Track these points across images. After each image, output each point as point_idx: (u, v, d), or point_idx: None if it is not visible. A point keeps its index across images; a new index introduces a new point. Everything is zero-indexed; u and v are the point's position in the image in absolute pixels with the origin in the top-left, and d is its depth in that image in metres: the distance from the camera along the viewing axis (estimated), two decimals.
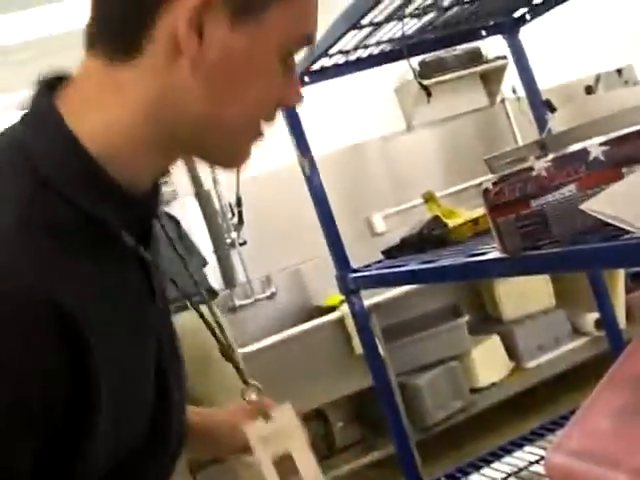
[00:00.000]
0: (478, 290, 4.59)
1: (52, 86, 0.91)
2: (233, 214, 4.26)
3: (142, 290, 0.95)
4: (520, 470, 1.72)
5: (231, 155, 0.97)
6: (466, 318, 4.25)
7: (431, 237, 1.54)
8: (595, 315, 4.27)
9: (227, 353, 1.20)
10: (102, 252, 0.87)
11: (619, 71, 5.10)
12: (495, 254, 1.15)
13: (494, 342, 4.35)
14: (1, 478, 0.77)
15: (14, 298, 0.75)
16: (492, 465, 1.80)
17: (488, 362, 4.28)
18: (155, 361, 0.95)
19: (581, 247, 1.00)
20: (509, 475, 1.72)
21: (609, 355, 1.96)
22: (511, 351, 4.38)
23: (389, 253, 1.69)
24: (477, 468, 1.80)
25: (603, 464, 1.18)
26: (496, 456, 1.82)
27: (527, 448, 1.83)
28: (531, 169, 1.07)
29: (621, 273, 4.19)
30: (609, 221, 0.94)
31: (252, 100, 0.92)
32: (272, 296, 4.47)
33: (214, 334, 1.19)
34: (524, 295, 4.41)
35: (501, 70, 5.00)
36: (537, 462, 1.71)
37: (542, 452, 1.70)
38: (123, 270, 0.91)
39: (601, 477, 1.17)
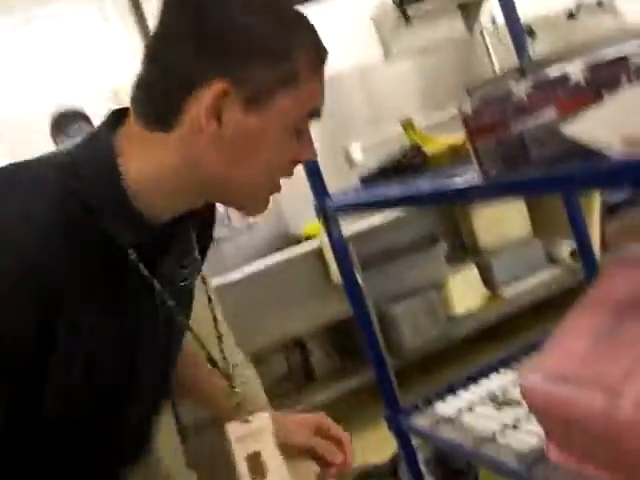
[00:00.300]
0: (455, 220, 4.62)
1: (117, 119, 1.12)
2: None
3: (139, 296, 1.14)
4: (496, 393, 1.75)
5: (249, 205, 1.19)
6: (443, 247, 4.28)
7: (409, 164, 1.54)
8: (571, 245, 4.31)
9: (217, 364, 1.34)
10: (105, 259, 1.07)
11: (599, 3, 5.05)
12: (473, 178, 1.16)
13: (471, 271, 4.39)
14: None
15: (10, 270, 0.96)
16: (469, 388, 1.83)
17: (465, 290, 4.32)
18: (135, 347, 1.16)
19: (558, 169, 1.00)
20: (485, 398, 1.75)
21: (585, 285, 1.98)
22: (487, 280, 4.42)
23: (367, 181, 1.69)
24: (454, 392, 1.83)
25: (579, 384, 1.19)
26: (473, 380, 1.85)
27: (503, 371, 1.86)
28: (511, 94, 1.06)
29: (597, 202, 4.22)
30: (587, 144, 0.94)
31: (264, 165, 1.11)
32: (250, 225, 4.46)
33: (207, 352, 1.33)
34: (501, 224, 4.45)
35: (480, 0, 4.96)
36: (513, 385, 1.74)
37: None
38: (123, 277, 1.10)
39: (577, 397, 1.18)
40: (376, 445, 2.63)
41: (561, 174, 0.99)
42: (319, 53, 1.14)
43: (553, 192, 1.17)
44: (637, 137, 0.86)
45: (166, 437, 1.55)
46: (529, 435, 1.51)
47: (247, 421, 1.34)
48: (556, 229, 4.47)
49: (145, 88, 1.09)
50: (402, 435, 1.83)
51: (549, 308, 4.03)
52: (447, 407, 1.77)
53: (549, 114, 1.04)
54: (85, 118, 3.54)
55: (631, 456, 1.11)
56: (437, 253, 4.28)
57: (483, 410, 1.70)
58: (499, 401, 1.71)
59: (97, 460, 1.22)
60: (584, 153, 0.96)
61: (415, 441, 1.89)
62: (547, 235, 4.55)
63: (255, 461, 1.31)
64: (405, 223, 4.24)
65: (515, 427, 1.56)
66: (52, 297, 0.99)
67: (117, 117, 1.13)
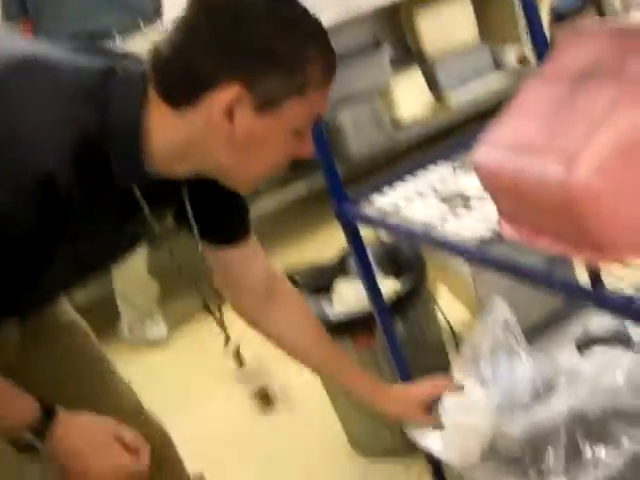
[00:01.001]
0: (399, 24, 4.45)
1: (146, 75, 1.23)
2: None
3: (123, 212, 1.30)
4: (446, 178, 1.71)
5: (242, 188, 1.39)
6: (388, 50, 4.16)
7: None
8: (519, 50, 4.22)
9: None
10: (105, 180, 1.22)
11: None
12: None
13: (415, 76, 4.28)
14: None
15: (33, 167, 1.12)
16: (415, 177, 1.78)
17: (409, 96, 4.23)
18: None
19: None
20: (429, 188, 1.71)
21: None
22: (433, 85, 4.33)
23: None
24: (400, 181, 1.79)
25: (533, 153, 1.15)
26: (418, 170, 1.81)
27: (446, 164, 1.80)
28: None
29: (545, 9, 4.08)
30: None
31: (264, 163, 1.28)
32: None
33: None
34: (446, 28, 4.29)
35: None
36: (458, 176, 1.71)
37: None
38: (116, 200, 1.26)
39: (531, 166, 1.14)
40: (327, 246, 2.63)
41: None
42: (330, 64, 1.24)
43: None
44: None
45: None
46: (479, 220, 1.48)
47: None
48: (504, 34, 4.37)
49: (166, 71, 1.20)
50: (350, 226, 1.79)
51: (496, 116, 3.96)
52: (394, 196, 1.73)
53: None
54: None
55: (583, 222, 1.08)
56: (381, 57, 4.15)
57: (428, 199, 1.67)
58: (443, 194, 1.67)
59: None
60: None
61: (364, 235, 1.86)
62: (495, 40, 4.43)
63: None
64: (346, 28, 4.06)
65: (465, 210, 1.54)
66: (56, 201, 1.15)
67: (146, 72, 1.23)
